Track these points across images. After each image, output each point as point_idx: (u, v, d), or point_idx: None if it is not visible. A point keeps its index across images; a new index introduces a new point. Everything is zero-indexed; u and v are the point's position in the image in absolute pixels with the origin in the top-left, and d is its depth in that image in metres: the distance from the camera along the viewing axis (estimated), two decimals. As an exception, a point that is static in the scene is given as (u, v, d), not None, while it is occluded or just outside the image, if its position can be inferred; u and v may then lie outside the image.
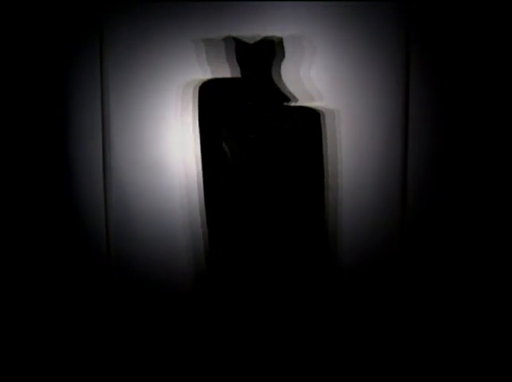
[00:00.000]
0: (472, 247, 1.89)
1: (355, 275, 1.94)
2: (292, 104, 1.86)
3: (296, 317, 1.85)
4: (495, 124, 1.87)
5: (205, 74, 1.90)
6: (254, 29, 1.88)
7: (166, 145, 1.94)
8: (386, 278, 1.94)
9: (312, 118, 1.88)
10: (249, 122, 1.80)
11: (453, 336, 1.89)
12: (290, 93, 1.87)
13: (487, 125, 1.88)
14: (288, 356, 1.85)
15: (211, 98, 1.87)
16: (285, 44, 1.87)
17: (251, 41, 1.83)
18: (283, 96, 1.85)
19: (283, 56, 1.86)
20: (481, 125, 1.88)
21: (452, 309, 1.90)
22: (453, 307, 1.90)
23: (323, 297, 1.89)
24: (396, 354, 1.90)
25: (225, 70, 1.90)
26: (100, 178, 1.95)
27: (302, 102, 1.89)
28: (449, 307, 1.90)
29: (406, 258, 1.93)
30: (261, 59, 1.82)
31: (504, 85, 1.85)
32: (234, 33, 1.88)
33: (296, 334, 1.85)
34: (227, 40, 1.86)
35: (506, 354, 1.83)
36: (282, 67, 1.88)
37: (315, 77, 1.90)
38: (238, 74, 1.86)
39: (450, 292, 1.91)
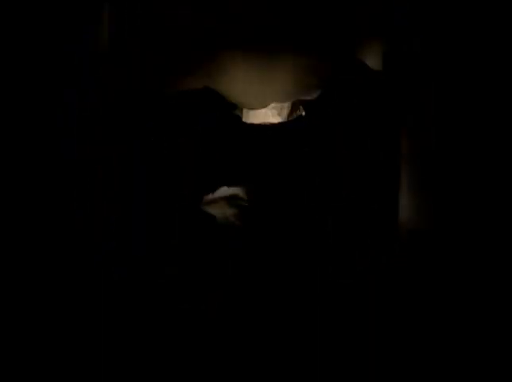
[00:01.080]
0: (472, 248, 1.89)
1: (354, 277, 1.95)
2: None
3: (294, 319, 1.85)
4: (495, 125, 1.87)
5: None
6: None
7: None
8: (386, 279, 1.94)
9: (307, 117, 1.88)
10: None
11: (453, 337, 1.89)
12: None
13: (488, 126, 1.87)
14: (287, 358, 1.85)
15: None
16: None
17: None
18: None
19: None
20: (481, 127, 1.87)
21: (452, 312, 1.90)
22: (453, 309, 1.90)
23: (322, 299, 1.89)
24: (395, 354, 1.90)
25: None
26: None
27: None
28: (449, 309, 1.90)
29: (407, 258, 1.93)
30: None
31: (504, 85, 1.85)
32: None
33: (294, 337, 1.86)
34: None
35: (506, 356, 1.82)
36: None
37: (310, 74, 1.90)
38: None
39: (450, 294, 1.91)
